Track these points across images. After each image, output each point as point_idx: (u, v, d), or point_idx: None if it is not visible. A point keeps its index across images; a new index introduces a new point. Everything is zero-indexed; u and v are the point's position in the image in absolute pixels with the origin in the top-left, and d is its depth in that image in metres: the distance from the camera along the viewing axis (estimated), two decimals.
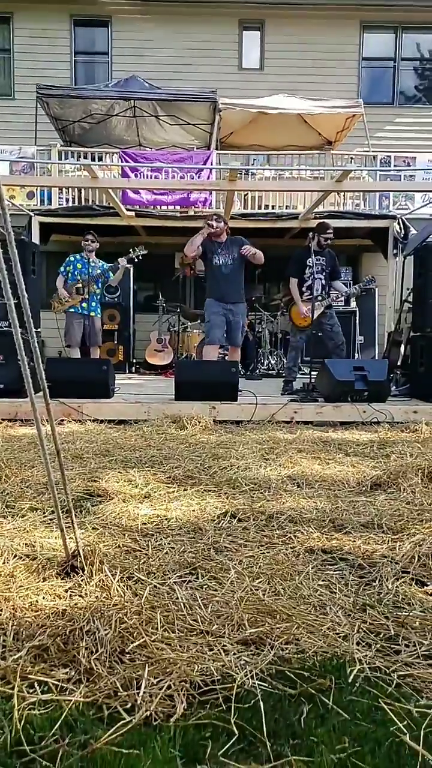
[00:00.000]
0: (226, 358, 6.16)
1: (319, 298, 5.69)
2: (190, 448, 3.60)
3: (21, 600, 1.51)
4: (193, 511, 2.37)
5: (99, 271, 6.36)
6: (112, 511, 2.32)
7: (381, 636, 1.44)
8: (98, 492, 2.60)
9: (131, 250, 6.32)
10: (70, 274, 6.40)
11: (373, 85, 11.38)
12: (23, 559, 1.80)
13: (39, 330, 6.17)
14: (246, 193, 8.78)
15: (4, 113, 10.70)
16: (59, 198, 8.85)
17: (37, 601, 1.50)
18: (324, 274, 5.79)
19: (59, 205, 8.80)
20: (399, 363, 6.62)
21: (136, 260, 6.38)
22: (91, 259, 6.37)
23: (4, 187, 1.43)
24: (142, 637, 1.33)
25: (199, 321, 8.46)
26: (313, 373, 5.61)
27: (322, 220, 6.24)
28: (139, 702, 1.14)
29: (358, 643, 1.39)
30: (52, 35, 10.92)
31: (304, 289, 5.78)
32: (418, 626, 1.48)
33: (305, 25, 10.94)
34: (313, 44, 10.90)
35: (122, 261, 6.27)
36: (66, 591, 1.58)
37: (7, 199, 1.43)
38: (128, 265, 6.64)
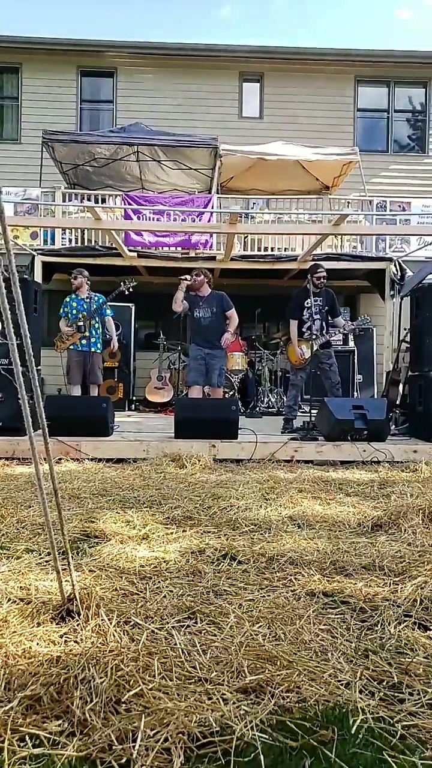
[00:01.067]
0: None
1: (313, 337, 5.75)
2: (189, 488, 3.57)
3: (14, 647, 1.47)
4: (192, 553, 2.33)
5: (95, 306, 6.38)
6: (110, 552, 2.29)
7: (384, 684, 1.40)
8: (95, 533, 2.56)
9: (121, 282, 6.40)
10: (70, 315, 6.44)
11: (369, 134, 11.82)
12: (17, 603, 1.76)
13: (39, 368, 6.20)
14: (246, 235, 8.97)
15: (11, 156, 11.07)
16: (62, 238, 9.03)
17: (30, 648, 1.46)
18: (322, 314, 5.86)
19: (62, 245, 8.97)
20: (398, 402, 6.63)
21: (126, 293, 6.49)
22: (86, 296, 6.40)
23: (8, 227, 1.46)
24: (139, 686, 1.30)
25: None
26: (312, 411, 5.61)
27: (314, 262, 6.36)
28: (134, 756, 1.10)
29: (360, 691, 1.35)
30: (58, 85, 11.40)
31: (304, 329, 5.84)
32: (422, 673, 1.44)
33: (302, 79, 11.47)
34: (310, 96, 11.40)
35: (111, 297, 6.44)
36: (61, 636, 1.54)
37: (11, 239, 1.47)
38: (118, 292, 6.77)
